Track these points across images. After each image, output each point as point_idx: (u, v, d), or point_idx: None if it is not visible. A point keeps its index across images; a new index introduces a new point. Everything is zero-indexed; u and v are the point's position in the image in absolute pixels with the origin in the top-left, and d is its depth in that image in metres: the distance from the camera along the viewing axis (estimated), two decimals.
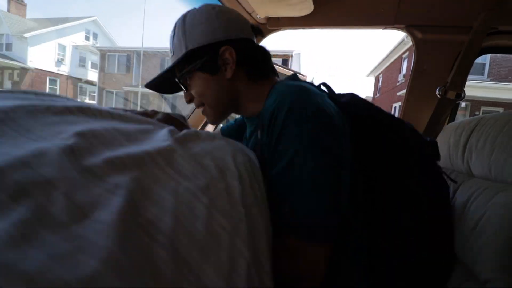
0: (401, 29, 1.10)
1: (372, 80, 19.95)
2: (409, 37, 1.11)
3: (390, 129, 0.59)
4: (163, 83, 0.69)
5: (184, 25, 0.60)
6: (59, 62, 18.53)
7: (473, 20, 1.00)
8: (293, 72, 0.70)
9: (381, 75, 17.74)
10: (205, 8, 0.60)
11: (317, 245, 0.48)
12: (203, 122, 1.53)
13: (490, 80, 10.59)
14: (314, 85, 0.61)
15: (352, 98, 0.62)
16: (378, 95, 18.25)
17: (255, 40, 0.66)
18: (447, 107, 1.02)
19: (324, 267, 0.49)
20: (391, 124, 0.59)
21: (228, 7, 0.65)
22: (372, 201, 0.54)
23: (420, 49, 1.09)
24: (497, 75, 10.73)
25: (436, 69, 1.09)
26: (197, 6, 0.64)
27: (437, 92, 1.04)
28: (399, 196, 0.55)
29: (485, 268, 0.50)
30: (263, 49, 0.65)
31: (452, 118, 1.15)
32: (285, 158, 0.48)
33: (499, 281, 0.47)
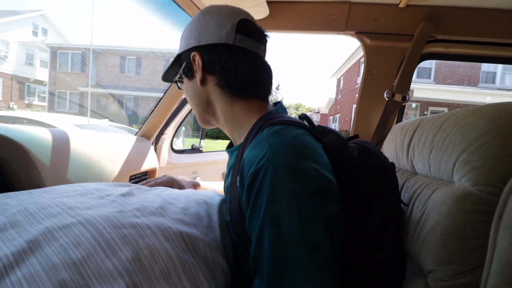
0: (352, 35, 1.16)
1: (334, 82, 20.92)
2: None
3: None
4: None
5: (194, 21, 0.61)
6: (2, 59, 16.64)
7: (414, 29, 1.09)
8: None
9: (342, 78, 18.68)
10: (199, 12, 0.60)
11: None
12: (157, 130, 1.49)
13: (436, 83, 11.71)
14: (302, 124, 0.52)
15: (335, 139, 0.56)
16: (340, 96, 19.18)
17: (256, 49, 0.59)
18: (394, 109, 1.09)
19: None
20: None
21: (218, 5, 0.60)
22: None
23: (369, 54, 1.16)
24: (441, 78, 11.89)
25: (384, 73, 1.16)
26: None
27: (385, 95, 1.11)
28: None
29: (427, 261, 0.54)
30: (248, 61, 0.58)
31: (400, 119, 1.23)
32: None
33: (438, 271, 0.50)
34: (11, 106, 16.56)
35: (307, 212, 0.41)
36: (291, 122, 0.50)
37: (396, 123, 1.16)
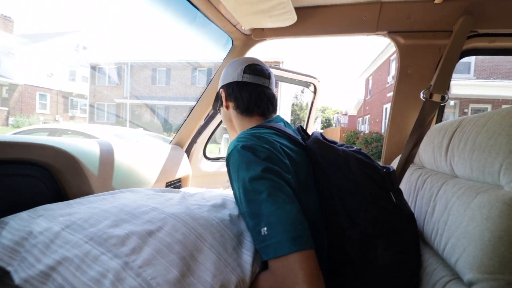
0: (384, 35, 1.12)
1: (363, 82, 20.24)
2: None
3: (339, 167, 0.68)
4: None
5: (227, 65, 0.92)
6: (49, 76, 18.36)
7: (453, 25, 1.03)
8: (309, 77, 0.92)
9: (370, 78, 18.03)
10: (231, 64, 0.89)
11: (281, 257, 0.55)
12: (190, 138, 1.55)
13: (476, 78, 10.85)
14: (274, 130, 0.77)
15: (314, 141, 0.74)
16: (369, 97, 18.50)
17: (260, 81, 0.86)
18: (432, 110, 1.04)
19: (310, 272, 0.53)
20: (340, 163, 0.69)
21: (240, 58, 0.89)
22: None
23: (403, 54, 1.12)
24: (482, 73, 11.00)
25: (420, 73, 1.11)
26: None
27: (421, 95, 1.06)
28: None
29: (470, 270, 0.50)
30: (250, 90, 0.84)
31: (439, 119, 1.17)
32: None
33: (487, 281, 0.47)
34: (56, 118, 18.15)
35: (262, 170, 0.60)
36: (262, 126, 0.77)
37: (436, 123, 1.10)
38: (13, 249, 0.50)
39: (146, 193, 0.74)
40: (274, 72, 1.43)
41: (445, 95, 1.05)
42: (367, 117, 18.69)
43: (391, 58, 13.45)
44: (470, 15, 1.01)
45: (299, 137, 0.77)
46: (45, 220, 0.56)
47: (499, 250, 0.47)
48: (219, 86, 0.90)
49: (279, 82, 1.81)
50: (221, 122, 1.60)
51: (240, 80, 0.84)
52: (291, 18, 1.10)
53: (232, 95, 0.86)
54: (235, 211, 0.69)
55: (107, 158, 0.95)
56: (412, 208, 0.82)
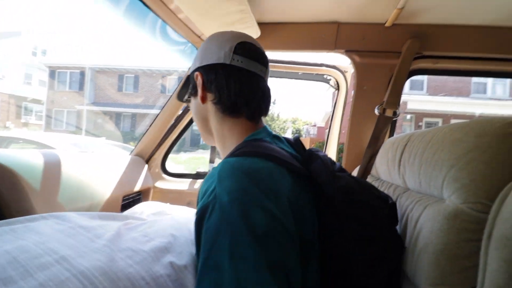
0: (342, 53, 1.19)
1: (330, 95, 21.16)
2: None
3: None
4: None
5: (208, 41, 0.65)
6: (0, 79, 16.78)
7: (401, 46, 1.12)
8: None
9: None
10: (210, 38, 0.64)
11: None
12: (152, 149, 1.48)
13: (429, 95, 11.92)
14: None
15: (320, 168, 0.55)
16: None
17: (253, 68, 0.60)
18: (385, 124, 1.11)
19: None
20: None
21: (223, 31, 0.65)
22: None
23: (359, 71, 1.19)
24: (434, 90, 12.12)
25: (374, 89, 1.19)
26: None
27: (376, 110, 1.13)
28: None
29: (421, 281, 0.52)
30: (242, 79, 0.59)
31: (392, 133, 1.25)
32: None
33: None
34: (7, 125, 16.53)
35: (253, 259, 0.36)
36: (254, 151, 0.49)
37: (389, 137, 1.17)
38: None
39: (70, 225, 0.53)
40: (274, 65, 1.37)
41: (396, 111, 1.12)
42: None
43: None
44: (416, 38, 1.10)
45: (298, 163, 0.54)
46: None
47: (440, 263, 0.49)
48: (194, 67, 0.63)
49: None
50: (183, 132, 1.53)
51: (228, 62, 0.58)
52: (255, 32, 1.12)
53: (213, 83, 0.59)
54: (181, 257, 0.50)
55: (52, 171, 0.86)
56: None
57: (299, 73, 1.42)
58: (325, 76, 1.45)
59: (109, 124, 17.72)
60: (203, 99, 0.61)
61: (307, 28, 1.17)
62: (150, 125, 1.45)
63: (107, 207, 1.08)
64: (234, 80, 0.58)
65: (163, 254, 0.50)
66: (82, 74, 17.35)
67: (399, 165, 0.78)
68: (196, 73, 0.61)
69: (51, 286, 0.38)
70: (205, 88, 0.61)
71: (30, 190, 0.76)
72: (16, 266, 0.40)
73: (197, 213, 0.43)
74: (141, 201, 1.39)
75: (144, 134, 1.47)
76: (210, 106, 0.62)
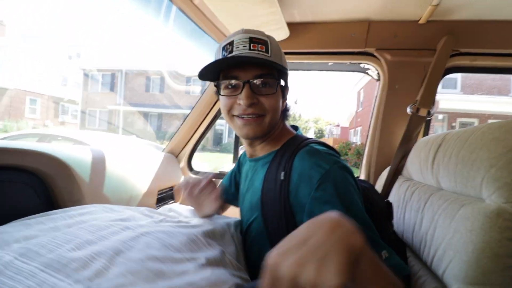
0: (372, 51, 1.17)
1: (355, 94, 20.61)
2: None
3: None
4: (207, 70, 0.65)
5: (277, 43, 0.68)
6: (40, 81, 18.11)
7: (437, 43, 1.09)
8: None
9: (362, 90, 18.38)
10: (272, 38, 0.67)
11: None
12: (183, 146, 1.53)
13: (463, 93, 11.21)
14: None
15: None
16: (360, 109, 18.82)
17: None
18: (418, 124, 1.08)
19: None
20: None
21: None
22: None
23: (391, 69, 1.17)
24: (469, 89, 11.38)
25: (406, 88, 1.16)
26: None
27: (408, 109, 1.11)
28: None
29: (456, 280, 0.52)
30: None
31: (426, 133, 1.21)
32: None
33: None
34: (46, 124, 17.82)
35: (356, 196, 0.57)
36: (314, 141, 0.67)
37: (423, 137, 1.14)
38: None
39: (119, 211, 0.69)
40: (302, 57, 1.28)
41: (431, 110, 1.09)
42: (358, 128, 18.95)
43: None
44: (452, 35, 1.06)
45: None
46: None
47: (481, 261, 0.49)
48: (285, 66, 0.68)
49: None
50: (208, 129, 1.54)
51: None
52: (284, 33, 1.14)
53: (287, 89, 0.71)
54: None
55: (99, 166, 0.94)
56: (401, 219, 0.84)
57: (329, 64, 1.29)
58: (362, 66, 1.29)
59: (138, 123, 18.52)
60: (284, 100, 0.72)
61: (337, 27, 1.17)
62: (182, 124, 1.52)
63: (145, 200, 1.15)
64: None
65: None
66: (113, 76, 18.29)
67: (432, 165, 0.77)
68: (288, 87, 0.71)
69: (127, 241, 0.50)
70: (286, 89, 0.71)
71: (81, 182, 0.84)
72: (91, 233, 0.53)
73: (315, 177, 0.57)
74: (173, 196, 1.46)
75: (176, 132, 1.54)
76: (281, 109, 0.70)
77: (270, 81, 0.63)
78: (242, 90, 0.61)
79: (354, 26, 1.15)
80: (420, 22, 1.07)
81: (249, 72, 0.61)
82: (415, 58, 1.13)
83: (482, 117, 10.85)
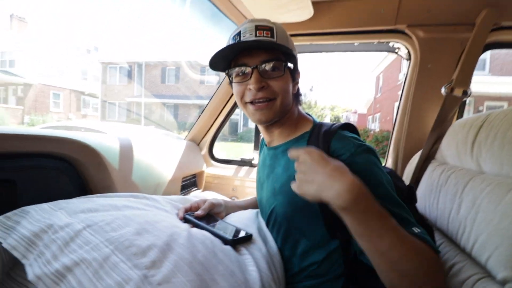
0: (403, 28, 1.10)
1: (373, 80, 19.93)
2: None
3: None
4: (218, 60, 0.67)
5: (284, 29, 0.69)
6: (62, 76, 18.77)
7: (476, 17, 1.00)
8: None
9: (381, 75, 17.74)
10: (279, 24, 0.70)
11: None
12: (203, 134, 1.54)
13: (492, 75, 10.53)
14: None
15: None
16: (379, 94, 18.22)
17: None
18: (454, 105, 1.01)
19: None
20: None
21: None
22: None
23: (423, 47, 1.09)
24: (497, 70, 10.67)
25: (440, 67, 1.09)
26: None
27: (442, 90, 1.04)
28: None
29: (504, 268, 0.49)
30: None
31: (460, 115, 1.14)
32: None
33: None
34: (69, 117, 18.57)
35: (383, 175, 0.60)
36: (341, 126, 0.69)
37: (457, 119, 1.08)
38: (31, 241, 0.48)
39: (166, 207, 0.72)
40: (326, 39, 1.21)
41: (467, 90, 1.02)
42: (377, 115, 18.42)
43: None
44: (493, 7, 0.97)
45: None
46: (66, 214, 0.54)
47: None
48: (293, 51, 0.69)
49: None
50: (227, 117, 1.54)
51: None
52: (308, 12, 1.09)
53: (297, 72, 0.73)
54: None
55: (126, 153, 0.96)
56: (434, 205, 0.81)
57: (355, 44, 1.23)
58: (391, 45, 1.21)
59: (155, 114, 18.91)
60: (296, 83, 0.73)
61: (364, 4, 1.10)
62: (202, 112, 1.52)
63: (170, 187, 1.17)
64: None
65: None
66: (130, 68, 18.64)
67: (472, 148, 0.72)
68: (298, 71, 0.73)
69: (177, 238, 0.53)
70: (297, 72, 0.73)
71: (111, 169, 0.86)
72: (148, 222, 0.56)
73: (352, 151, 0.61)
74: (196, 183, 1.48)
75: (196, 121, 1.55)
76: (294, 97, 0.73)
77: (277, 64, 0.65)
78: (251, 76, 0.64)
79: (383, 2, 1.07)
80: None
81: (256, 58, 0.64)
82: (451, 34, 1.05)
83: None
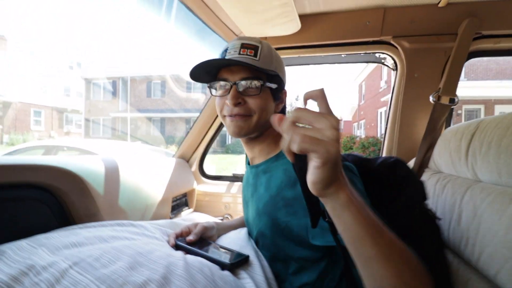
0: (388, 40, 1.12)
1: (356, 87, 20.47)
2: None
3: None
4: (201, 72, 0.68)
5: (273, 51, 0.71)
6: (43, 93, 18.26)
7: (458, 27, 1.03)
8: None
9: (363, 83, 18.25)
10: (268, 44, 0.72)
11: None
12: (193, 151, 1.50)
13: (467, 80, 11.04)
14: None
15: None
16: (362, 102, 18.68)
17: None
18: (443, 112, 1.02)
19: None
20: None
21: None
22: None
23: (409, 57, 1.11)
24: (472, 74, 11.21)
25: (427, 76, 1.10)
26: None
27: (430, 98, 1.05)
28: None
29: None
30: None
31: (448, 123, 1.16)
32: None
33: None
34: (51, 135, 17.96)
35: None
36: None
37: (446, 127, 1.09)
38: (10, 286, 0.42)
39: (155, 234, 0.68)
40: (314, 50, 1.22)
41: (454, 98, 1.04)
42: (362, 122, 18.83)
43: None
44: (474, 17, 1.01)
45: None
46: (48, 251, 0.49)
47: None
48: (282, 75, 0.73)
49: None
50: (217, 132, 1.50)
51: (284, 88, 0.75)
52: (295, 26, 1.09)
53: (279, 90, 0.73)
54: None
55: (112, 176, 0.91)
56: None
57: (342, 56, 1.24)
58: (377, 56, 1.24)
59: (142, 129, 18.58)
60: (278, 109, 0.74)
61: (350, 16, 1.11)
62: (191, 128, 1.48)
63: (160, 208, 1.12)
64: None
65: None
66: (114, 83, 18.37)
67: (466, 156, 0.72)
68: (284, 90, 0.75)
69: (174, 269, 0.49)
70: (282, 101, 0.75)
71: (96, 195, 0.80)
72: (140, 254, 0.52)
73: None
74: (187, 203, 1.42)
75: (185, 137, 1.50)
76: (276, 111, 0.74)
77: (256, 82, 0.66)
78: (230, 91, 0.66)
79: (368, 14, 1.09)
80: (439, 5, 1.02)
81: (237, 74, 0.66)
82: (435, 44, 1.07)
83: (489, 103, 10.68)
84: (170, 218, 1.22)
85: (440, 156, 0.88)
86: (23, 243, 0.52)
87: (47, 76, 18.48)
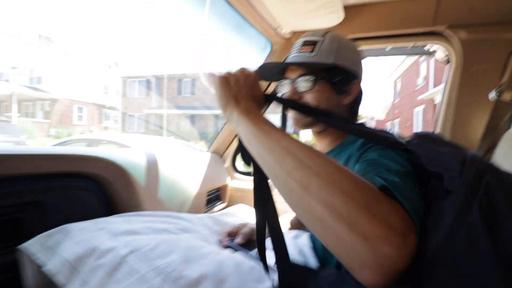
0: (442, 30, 1.02)
1: (390, 84, 19.47)
2: None
3: None
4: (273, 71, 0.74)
5: (338, 42, 0.70)
6: (85, 90, 19.67)
7: None
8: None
9: (399, 80, 17.31)
10: (352, 42, 0.73)
11: None
12: (227, 145, 1.50)
13: None
14: None
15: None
16: (397, 100, 17.74)
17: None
18: (505, 111, 0.91)
19: None
20: None
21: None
22: None
23: (466, 49, 1.00)
24: None
25: (487, 70, 0.99)
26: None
27: (491, 95, 0.94)
28: None
29: None
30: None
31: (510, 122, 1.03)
32: None
33: None
34: (91, 129, 19.29)
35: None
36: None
37: (509, 127, 0.97)
38: (74, 266, 0.45)
39: (200, 229, 0.70)
40: (358, 44, 1.19)
41: None
42: (396, 120, 17.88)
43: (420, 59, 12.81)
44: None
45: None
46: (108, 234, 0.52)
47: None
48: (352, 67, 0.69)
49: None
50: None
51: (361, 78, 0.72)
52: (338, 17, 1.03)
53: (360, 96, 0.74)
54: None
55: (152, 169, 0.93)
56: None
57: (386, 49, 1.16)
58: (427, 48, 1.14)
59: (173, 125, 19.30)
60: (349, 97, 0.71)
61: (398, 6, 1.03)
62: (225, 123, 1.48)
63: (196, 202, 1.13)
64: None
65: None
66: (148, 81, 19.26)
67: None
68: (358, 80, 0.71)
69: (225, 268, 0.48)
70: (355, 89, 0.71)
71: (138, 186, 0.82)
72: (192, 249, 0.53)
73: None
74: (220, 197, 1.43)
75: (220, 131, 1.51)
76: (346, 110, 0.72)
77: (307, 78, 0.68)
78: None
79: (419, 2, 1.00)
80: None
81: (295, 72, 0.70)
82: (498, 34, 0.96)
83: None
84: (205, 212, 1.23)
85: (504, 159, 0.78)
86: (86, 224, 0.56)
87: (88, 75, 19.85)
